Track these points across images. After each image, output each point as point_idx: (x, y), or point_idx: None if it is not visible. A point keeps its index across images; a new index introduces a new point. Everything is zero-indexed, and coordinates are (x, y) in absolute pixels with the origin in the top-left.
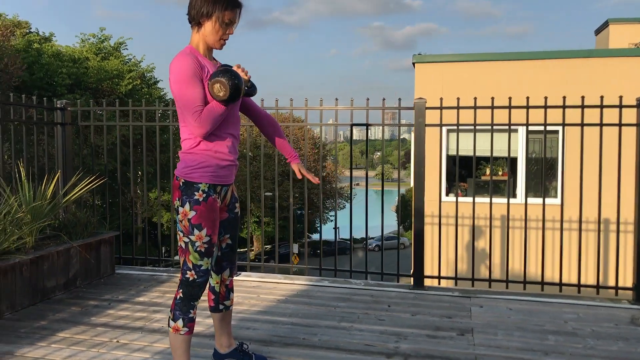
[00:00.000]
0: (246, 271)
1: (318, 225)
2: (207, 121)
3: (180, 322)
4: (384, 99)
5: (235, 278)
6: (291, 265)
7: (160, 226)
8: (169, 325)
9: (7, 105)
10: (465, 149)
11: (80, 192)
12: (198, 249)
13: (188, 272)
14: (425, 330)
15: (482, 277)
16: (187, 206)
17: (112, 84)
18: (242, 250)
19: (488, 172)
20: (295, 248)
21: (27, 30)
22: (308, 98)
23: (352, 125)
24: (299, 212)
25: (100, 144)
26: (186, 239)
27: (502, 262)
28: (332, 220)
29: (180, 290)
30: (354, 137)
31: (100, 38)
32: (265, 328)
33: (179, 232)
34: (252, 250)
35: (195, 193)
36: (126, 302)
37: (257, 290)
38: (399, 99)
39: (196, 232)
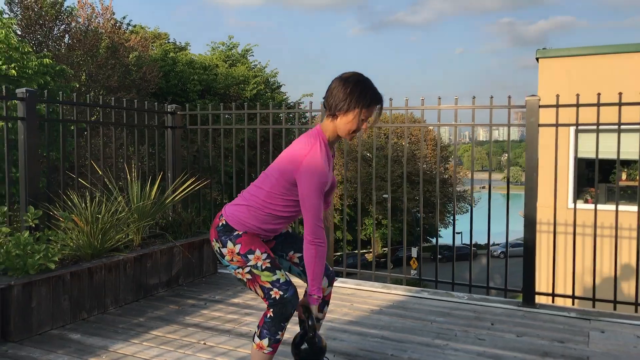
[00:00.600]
0: (343, 277)
1: (439, 229)
2: (321, 255)
3: (265, 341)
4: (491, 97)
5: None
6: (389, 274)
7: None
8: (253, 340)
9: (121, 110)
10: (601, 151)
11: (182, 194)
12: (264, 267)
13: (271, 292)
14: (531, 355)
15: (606, 297)
16: (229, 244)
17: (238, 89)
18: (337, 254)
19: (624, 176)
20: (413, 252)
21: (166, 41)
22: (426, 97)
23: (456, 125)
24: (419, 215)
25: (227, 146)
26: (247, 268)
27: (633, 282)
28: (452, 225)
29: (271, 310)
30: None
31: (229, 46)
32: (352, 340)
33: (237, 271)
34: (371, 252)
35: (233, 232)
36: (221, 302)
37: (351, 298)
38: (509, 97)
39: (251, 256)
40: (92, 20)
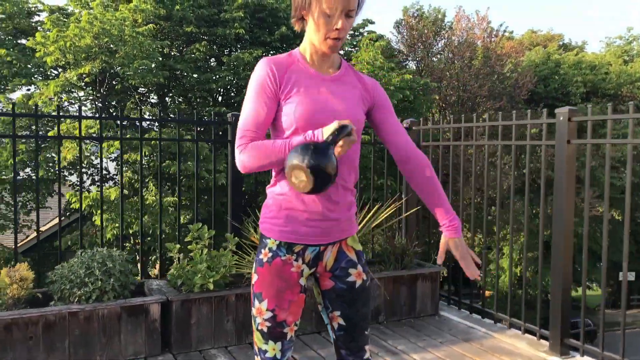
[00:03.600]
0: (580, 355)
1: None
2: (250, 157)
3: None
4: None
5: None
6: None
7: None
8: None
9: None
10: None
11: (380, 219)
12: (259, 327)
13: (255, 357)
14: None
15: None
16: (254, 267)
17: (632, 88)
18: (575, 300)
19: None
20: None
21: (560, 42)
22: None
23: None
24: None
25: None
26: (251, 311)
27: None
28: None
29: None
30: None
31: (627, 40)
32: None
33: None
34: None
35: (262, 250)
36: (402, 354)
37: None
38: None
39: (256, 303)
40: (469, 32)
